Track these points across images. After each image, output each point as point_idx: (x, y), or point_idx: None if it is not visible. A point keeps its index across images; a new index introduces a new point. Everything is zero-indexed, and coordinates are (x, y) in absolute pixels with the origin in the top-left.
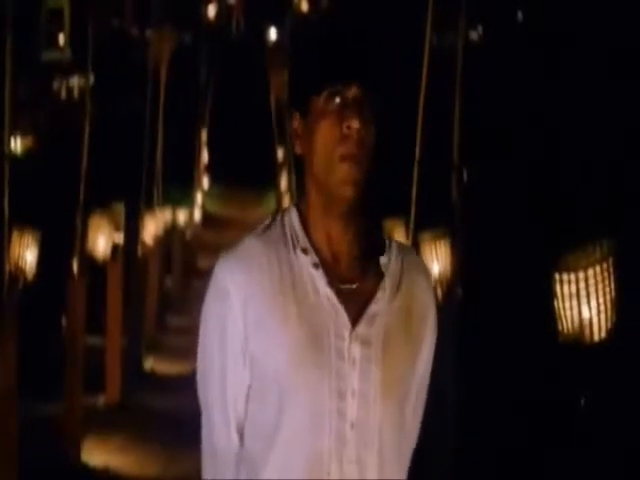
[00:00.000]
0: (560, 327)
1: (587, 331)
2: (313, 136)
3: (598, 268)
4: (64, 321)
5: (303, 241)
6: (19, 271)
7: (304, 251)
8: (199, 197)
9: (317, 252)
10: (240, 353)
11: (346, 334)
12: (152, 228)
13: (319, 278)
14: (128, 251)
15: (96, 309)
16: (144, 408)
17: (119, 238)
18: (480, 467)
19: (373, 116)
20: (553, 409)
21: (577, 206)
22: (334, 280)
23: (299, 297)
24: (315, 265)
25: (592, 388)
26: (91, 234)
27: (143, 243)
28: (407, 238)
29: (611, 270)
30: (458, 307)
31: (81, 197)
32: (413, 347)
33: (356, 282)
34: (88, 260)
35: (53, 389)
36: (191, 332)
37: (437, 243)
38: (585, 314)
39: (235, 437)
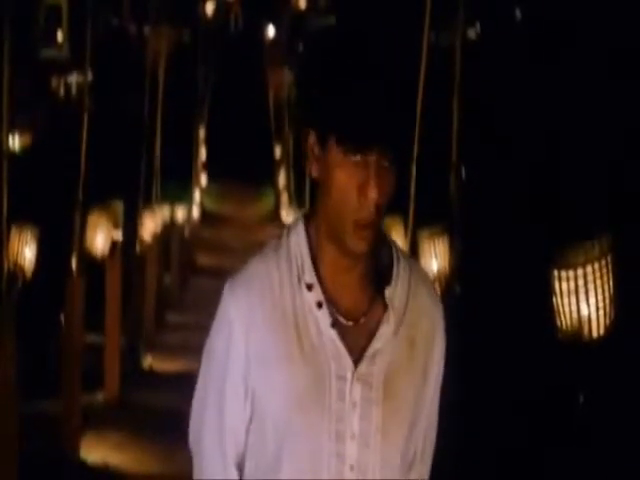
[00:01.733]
0: (559, 324)
1: (586, 328)
2: (330, 182)
3: (597, 264)
4: (62, 318)
5: (309, 275)
6: (18, 269)
7: (309, 287)
8: (197, 194)
9: (322, 284)
10: (241, 384)
11: (348, 375)
12: (150, 225)
13: (322, 318)
14: (126, 248)
15: (94, 306)
16: (143, 405)
17: (117, 235)
18: (479, 462)
19: (392, 174)
20: (552, 406)
21: (576, 203)
22: (338, 317)
23: (302, 335)
24: (319, 304)
25: (591, 385)
26: (89, 231)
27: (141, 240)
28: (405, 236)
29: (610, 266)
30: (456, 304)
31: (79, 194)
32: (417, 379)
33: (361, 317)
34: (86, 257)
35: (52, 386)
36: (190, 329)
37: (435, 240)
38: (584, 311)
39: (233, 471)
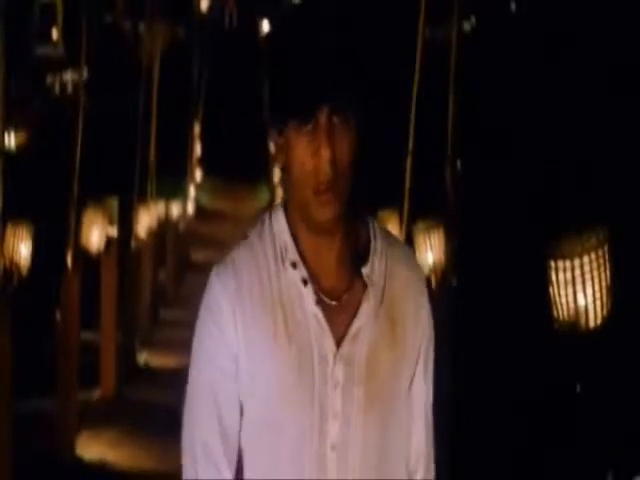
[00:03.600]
0: (556, 314)
1: (583, 318)
2: (289, 162)
3: (593, 255)
4: (58, 315)
5: (292, 254)
6: (13, 266)
7: (293, 265)
8: (192, 190)
9: (305, 263)
10: (233, 368)
11: (330, 356)
12: (146, 222)
13: (307, 295)
14: (122, 245)
15: (90, 303)
16: (138, 402)
17: (113, 232)
18: (476, 460)
19: (350, 132)
20: (550, 401)
21: (571, 195)
22: (322, 296)
23: (287, 315)
24: (304, 281)
25: (588, 375)
26: (85, 228)
27: (137, 237)
28: (401, 228)
29: (607, 257)
30: (452, 297)
31: (75, 191)
32: (399, 357)
33: (343, 295)
34: (82, 254)
35: (47, 384)
36: (185, 325)
37: (431, 233)
38: (581, 301)
39: (226, 468)
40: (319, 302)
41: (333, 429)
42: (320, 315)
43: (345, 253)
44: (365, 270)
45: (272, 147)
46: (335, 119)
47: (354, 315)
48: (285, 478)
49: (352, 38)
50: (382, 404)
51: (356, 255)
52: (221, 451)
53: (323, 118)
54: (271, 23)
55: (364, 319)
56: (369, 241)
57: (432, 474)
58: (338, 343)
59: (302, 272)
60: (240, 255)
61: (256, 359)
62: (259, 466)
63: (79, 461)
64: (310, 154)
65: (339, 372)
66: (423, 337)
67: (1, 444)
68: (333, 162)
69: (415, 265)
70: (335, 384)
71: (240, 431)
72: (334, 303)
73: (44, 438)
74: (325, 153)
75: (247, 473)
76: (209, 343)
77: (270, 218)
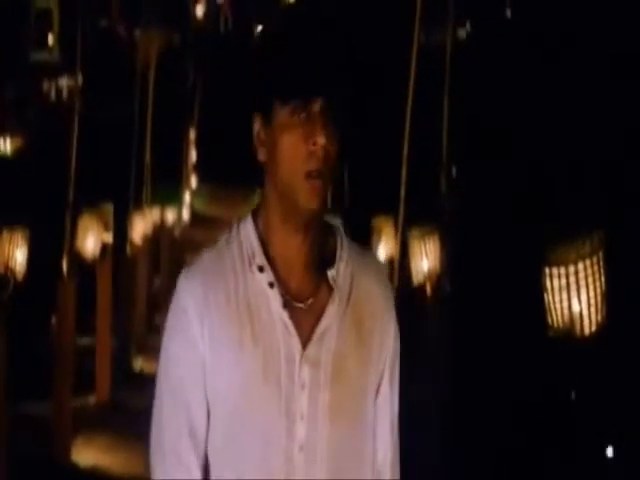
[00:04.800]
0: (550, 321)
1: (577, 325)
2: (277, 149)
3: (588, 261)
4: (53, 321)
5: (259, 258)
6: (9, 271)
7: (260, 269)
8: (188, 196)
9: (272, 267)
10: (200, 370)
11: (297, 357)
12: (141, 228)
13: (274, 298)
14: (117, 251)
15: (85, 309)
16: (134, 408)
17: (108, 238)
18: (471, 461)
19: (338, 127)
20: (544, 404)
21: (566, 202)
22: (288, 299)
23: (253, 316)
24: (270, 284)
25: (583, 381)
26: (80, 234)
27: (132, 243)
28: (396, 235)
29: (601, 263)
30: (447, 303)
31: (70, 197)
32: (364, 361)
33: (310, 298)
34: (77, 260)
35: (43, 389)
36: None
37: (426, 240)
38: (575, 308)
39: (196, 471)
40: (286, 305)
41: (300, 431)
42: (286, 317)
43: (312, 257)
44: (331, 273)
45: (254, 139)
46: (328, 109)
47: (320, 317)
48: (254, 478)
49: (347, 35)
50: (348, 407)
51: (323, 260)
52: (191, 452)
53: (318, 107)
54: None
55: (329, 321)
56: (335, 249)
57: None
58: (304, 345)
59: (269, 276)
60: (208, 259)
61: (222, 362)
62: (228, 466)
63: (74, 466)
64: (303, 141)
65: (305, 374)
66: (389, 348)
67: None
68: (326, 150)
69: (382, 275)
70: (302, 385)
71: (208, 432)
72: (301, 305)
73: (39, 443)
74: (320, 140)
75: (215, 473)
76: (176, 347)
77: (238, 225)
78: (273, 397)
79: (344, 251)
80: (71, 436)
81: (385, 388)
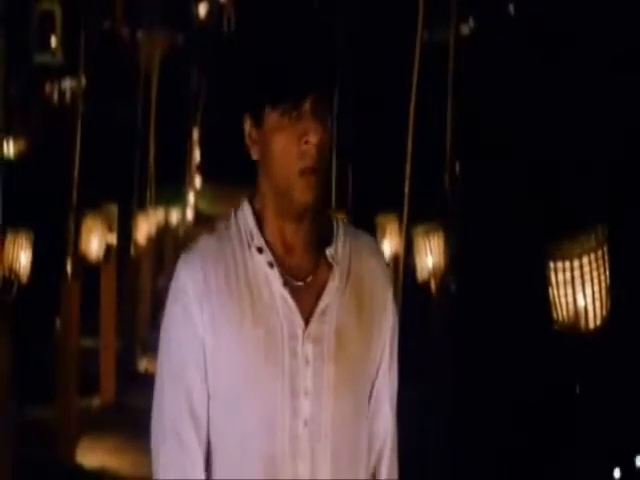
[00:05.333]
0: (555, 315)
1: (582, 319)
2: (270, 149)
3: (593, 255)
4: (58, 323)
5: (258, 240)
6: (13, 273)
7: (259, 250)
8: (191, 197)
9: (271, 249)
10: (199, 352)
11: (299, 333)
12: (145, 228)
13: (274, 277)
14: (121, 252)
15: (90, 310)
16: (139, 409)
17: (112, 239)
18: (474, 459)
19: (328, 122)
20: (549, 398)
21: (569, 197)
22: (288, 278)
23: (254, 297)
24: (270, 264)
25: (588, 375)
26: (84, 235)
27: (136, 243)
28: (401, 232)
29: (606, 257)
30: (452, 300)
31: (74, 198)
32: (366, 335)
33: (309, 276)
34: (81, 261)
35: (47, 391)
36: None
37: (430, 237)
38: (580, 302)
39: (199, 455)
40: (286, 284)
41: (305, 406)
42: (287, 295)
43: (310, 237)
44: (329, 251)
45: (246, 139)
46: (318, 106)
47: (320, 294)
48: (259, 454)
49: (327, 28)
50: (351, 382)
51: (320, 240)
52: (192, 433)
53: (309, 105)
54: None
55: (330, 297)
56: (332, 230)
57: (396, 459)
58: (306, 322)
59: (268, 256)
60: (207, 244)
61: (223, 342)
62: (232, 446)
63: (79, 468)
64: (295, 139)
65: (308, 349)
66: (388, 323)
67: (1, 451)
68: (318, 148)
69: (380, 255)
70: (305, 361)
71: (210, 413)
72: (300, 284)
73: (44, 445)
74: (312, 139)
75: (219, 454)
76: (177, 330)
77: (236, 211)
78: (276, 375)
79: (340, 231)
80: (76, 438)
81: (385, 364)
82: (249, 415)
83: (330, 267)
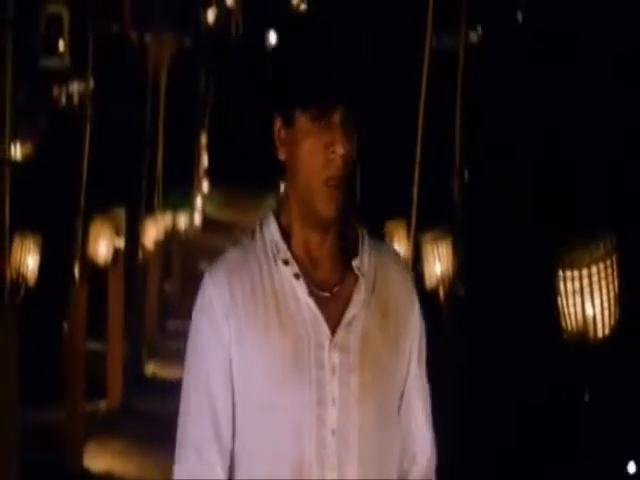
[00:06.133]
0: (564, 324)
1: (591, 328)
2: (297, 152)
3: (602, 265)
4: (65, 326)
5: (284, 252)
6: (21, 277)
7: (285, 262)
8: (199, 201)
9: (297, 261)
10: (226, 363)
11: (326, 343)
12: (153, 233)
13: (300, 288)
14: (129, 256)
15: (97, 314)
16: (146, 413)
17: (120, 243)
18: (481, 467)
19: (354, 134)
20: (558, 409)
21: (579, 205)
22: (314, 288)
23: (280, 307)
24: (296, 276)
25: (596, 385)
26: (92, 239)
27: (144, 248)
28: (409, 239)
29: (615, 267)
30: (461, 307)
31: (82, 202)
32: (392, 346)
33: (335, 287)
34: (89, 265)
35: (54, 394)
36: None
37: (439, 243)
38: (589, 311)
39: (219, 467)
40: (312, 293)
41: (332, 415)
42: (313, 305)
43: (336, 248)
44: (355, 263)
45: (274, 137)
46: (347, 118)
47: (346, 305)
48: (286, 463)
49: (362, 44)
50: (378, 391)
51: (345, 252)
52: (215, 449)
53: (339, 116)
54: (278, 33)
55: (357, 308)
56: (357, 241)
57: (435, 460)
58: (332, 332)
59: (294, 268)
60: (232, 257)
61: (250, 352)
62: (260, 455)
63: (86, 472)
64: (322, 148)
65: (335, 359)
66: (415, 331)
67: (9, 454)
68: (344, 159)
69: (403, 264)
70: (332, 370)
71: (236, 423)
72: (327, 294)
73: (51, 449)
74: (339, 150)
75: (246, 464)
76: (204, 343)
77: (261, 223)
78: (303, 384)
79: (366, 243)
80: (83, 441)
81: (414, 368)
82: (277, 424)
83: (356, 278)
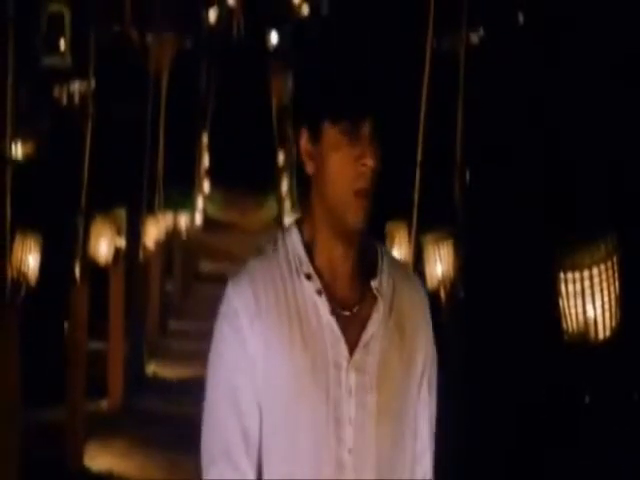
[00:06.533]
0: (565, 326)
1: (592, 330)
2: (326, 166)
3: (603, 266)
4: (66, 326)
5: (307, 266)
6: (21, 276)
7: (307, 277)
8: (200, 201)
9: (319, 275)
10: (251, 371)
11: (344, 363)
12: (153, 232)
13: (322, 305)
14: (130, 256)
15: (98, 314)
16: (147, 412)
17: (121, 243)
18: (484, 466)
19: (381, 145)
20: (558, 410)
21: (580, 205)
22: (335, 306)
23: (303, 323)
24: (318, 292)
25: (597, 386)
26: (93, 239)
27: (145, 247)
28: (410, 240)
29: (616, 268)
30: (461, 309)
31: (83, 202)
32: (408, 365)
33: (355, 306)
34: (90, 265)
35: (55, 394)
36: (193, 336)
37: (440, 245)
38: (590, 313)
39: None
40: (333, 312)
41: (349, 434)
42: (334, 324)
43: (357, 267)
44: (374, 283)
45: (300, 151)
46: (376, 130)
47: (365, 325)
48: (306, 476)
49: (388, 54)
50: (393, 410)
51: (365, 270)
52: (243, 453)
53: (368, 128)
54: (279, 34)
55: (374, 329)
56: (376, 260)
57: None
58: (350, 352)
59: (316, 284)
60: (255, 267)
61: (273, 364)
62: (278, 467)
63: (87, 471)
64: (352, 161)
65: (352, 380)
66: (428, 354)
67: (10, 454)
68: (374, 170)
69: (419, 285)
70: (349, 391)
71: (261, 433)
72: (347, 313)
73: (52, 448)
74: (369, 162)
75: (266, 474)
76: (229, 350)
77: (283, 235)
78: (322, 401)
79: (385, 263)
80: (84, 440)
81: (424, 394)
82: (297, 434)
83: (374, 299)
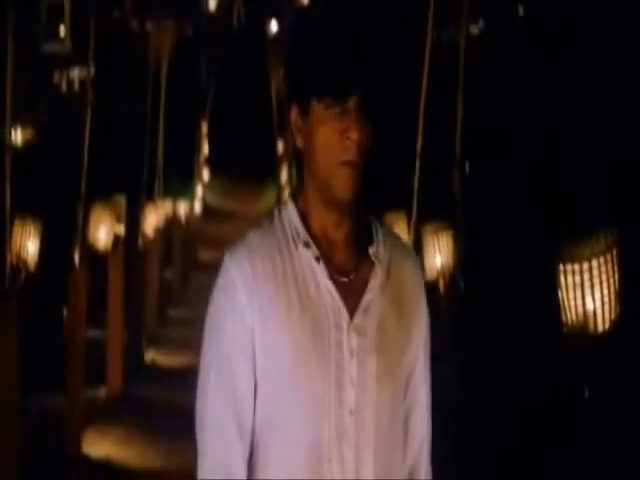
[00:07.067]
0: (564, 318)
1: (591, 322)
2: (313, 139)
3: (602, 259)
4: (65, 313)
5: (304, 235)
6: (21, 263)
7: (306, 245)
8: (199, 189)
9: (316, 244)
10: (248, 342)
11: (344, 326)
12: (153, 220)
13: (320, 271)
14: (129, 243)
15: (97, 301)
16: (145, 400)
17: (120, 230)
18: (481, 462)
19: (370, 120)
20: (557, 404)
21: (580, 197)
22: (333, 273)
23: (301, 290)
24: (317, 259)
25: (596, 379)
26: (92, 226)
27: (144, 235)
28: (409, 231)
29: (615, 261)
30: (460, 299)
31: (82, 189)
32: (404, 332)
33: (352, 273)
34: (89, 252)
35: (54, 381)
36: (192, 324)
37: (439, 235)
38: (589, 305)
39: (241, 450)
40: (331, 278)
41: (350, 396)
42: (333, 289)
43: (352, 235)
44: (372, 250)
45: (291, 125)
46: (363, 105)
47: (363, 291)
48: (305, 440)
49: (378, 33)
50: (392, 374)
51: (361, 238)
52: (233, 423)
53: (353, 104)
54: (279, 22)
55: (373, 294)
56: (372, 231)
57: (429, 445)
58: (350, 315)
59: (314, 251)
60: (253, 239)
61: (271, 331)
62: (279, 434)
63: (86, 458)
64: (338, 134)
65: (353, 341)
66: (423, 325)
67: (8, 441)
68: (359, 144)
69: (413, 254)
70: (350, 352)
71: (257, 403)
72: (344, 279)
73: (51, 436)
74: (354, 135)
75: (265, 442)
76: (225, 319)
77: (279, 209)
78: (323, 364)
79: (380, 232)
80: (82, 428)
81: (422, 356)
82: (297, 401)
83: (371, 265)
